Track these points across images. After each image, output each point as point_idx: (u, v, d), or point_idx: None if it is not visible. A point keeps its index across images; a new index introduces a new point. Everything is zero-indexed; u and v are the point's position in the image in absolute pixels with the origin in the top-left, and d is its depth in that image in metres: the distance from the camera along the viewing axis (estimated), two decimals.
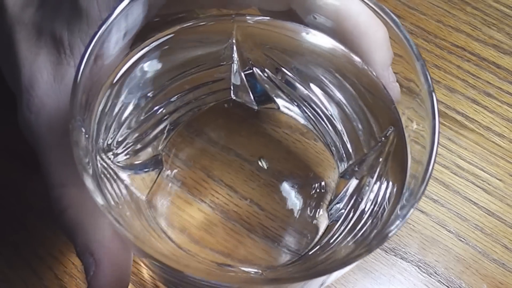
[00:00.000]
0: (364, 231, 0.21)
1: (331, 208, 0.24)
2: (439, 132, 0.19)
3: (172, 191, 0.24)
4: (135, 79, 0.23)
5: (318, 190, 0.25)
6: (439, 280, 0.28)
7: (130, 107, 0.23)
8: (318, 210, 0.24)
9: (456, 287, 0.28)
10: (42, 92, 0.23)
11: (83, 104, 0.19)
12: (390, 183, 0.22)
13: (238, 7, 0.24)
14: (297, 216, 0.24)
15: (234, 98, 0.26)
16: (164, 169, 0.24)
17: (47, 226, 0.27)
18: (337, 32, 0.23)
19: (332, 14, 0.22)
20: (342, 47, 0.23)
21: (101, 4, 0.23)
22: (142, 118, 0.24)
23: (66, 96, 0.23)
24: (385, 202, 0.21)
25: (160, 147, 0.25)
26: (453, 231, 0.29)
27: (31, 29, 0.24)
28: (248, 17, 0.24)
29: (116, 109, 0.23)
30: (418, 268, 0.28)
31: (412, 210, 0.18)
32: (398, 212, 0.18)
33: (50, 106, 0.23)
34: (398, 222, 0.17)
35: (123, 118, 0.23)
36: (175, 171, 0.25)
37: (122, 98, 0.23)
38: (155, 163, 0.24)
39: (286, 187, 0.25)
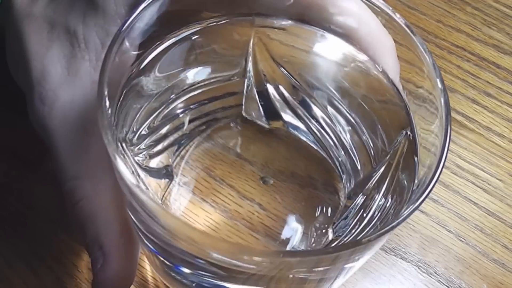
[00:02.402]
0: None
1: (337, 225, 0.24)
2: (450, 137, 0.19)
3: (181, 206, 0.24)
4: (152, 79, 0.23)
5: (324, 212, 0.24)
6: (439, 280, 0.28)
7: (150, 108, 0.23)
8: (323, 228, 0.24)
9: (456, 287, 0.28)
10: (56, 84, 0.23)
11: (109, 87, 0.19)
12: (397, 194, 0.21)
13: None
14: (300, 235, 0.24)
15: (245, 115, 0.26)
16: (174, 180, 0.24)
17: (47, 226, 0.27)
18: (352, 38, 0.23)
19: (347, 24, 0.23)
20: (357, 52, 0.23)
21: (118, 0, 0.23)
22: (158, 123, 0.24)
23: (81, 90, 0.23)
24: (389, 213, 0.21)
25: (171, 159, 0.25)
26: (453, 231, 0.29)
27: (41, 22, 0.24)
28: (267, 19, 0.24)
29: (136, 106, 0.23)
30: (418, 268, 0.28)
31: (413, 208, 0.18)
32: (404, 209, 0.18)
33: (64, 99, 0.23)
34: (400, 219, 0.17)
35: (142, 116, 0.23)
36: (184, 184, 0.25)
37: (139, 97, 0.23)
38: (165, 173, 0.24)
39: (291, 221, 0.25)
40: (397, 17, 0.21)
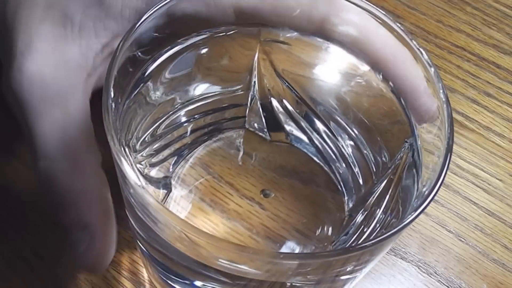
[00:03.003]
0: None
1: (336, 242, 0.23)
2: (452, 143, 0.19)
3: (180, 214, 0.24)
4: (158, 86, 0.23)
5: (324, 232, 0.24)
6: (439, 280, 0.28)
7: (155, 116, 0.23)
8: (324, 241, 0.24)
9: (456, 287, 0.28)
10: (40, 59, 0.22)
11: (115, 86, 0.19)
12: (397, 209, 0.21)
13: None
14: (301, 238, 0.24)
15: (247, 127, 0.26)
16: (172, 192, 0.24)
17: (47, 226, 0.27)
18: (358, 49, 0.23)
19: (350, 34, 0.23)
20: (360, 63, 0.23)
21: (126, 1, 0.22)
22: (161, 132, 0.24)
23: (65, 71, 0.23)
24: (389, 226, 0.21)
25: (170, 169, 0.25)
26: (453, 231, 0.29)
27: None
28: (272, 30, 0.24)
29: (141, 112, 0.22)
30: (418, 268, 0.28)
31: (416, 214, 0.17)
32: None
33: (46, 75, 0.22)
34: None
35: (146, 123, 0.23)
36: (180, 198, 0.25)
37: (144, 103, 0.23)
38: (164, 185, 0.24)
39: (289, 242, 0.24)
40: (396, 24, 0.21)
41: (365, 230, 0.22)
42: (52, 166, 0.22)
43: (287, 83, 0.25)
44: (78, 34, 0.23)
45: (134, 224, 0.20)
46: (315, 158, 0.25)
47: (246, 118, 0.26)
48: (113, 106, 0.18)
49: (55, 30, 0.23)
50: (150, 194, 0.16)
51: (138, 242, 0.22)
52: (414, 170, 0.21)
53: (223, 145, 0.26)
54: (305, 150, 0.26)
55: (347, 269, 0.18)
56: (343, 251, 0.17)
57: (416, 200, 0.20)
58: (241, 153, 0.26)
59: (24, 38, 0.22)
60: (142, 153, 0.23)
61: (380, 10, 0.21)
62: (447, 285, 0.28)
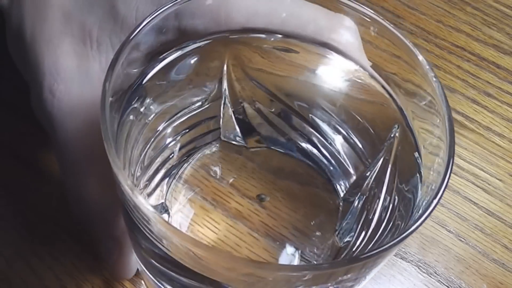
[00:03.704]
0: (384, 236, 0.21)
1: (340, 231, 0.23)
2: (454, 136, 0.18)
3: (182, 225, 0.24)
4: (143, 108, 0.23)
5: (319, 223, 0.24)
6: (439, 280, 0.28)
7: (140, 145, 0.23)
8: (326, 233, 0.24)
9: (456, 287, 0.28)
10: (67, 78, 0.23)
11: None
12: (403, 192, 0.21)
13: None
14: (302, 237, 0.24)
15: (223, 138, 0.26)
16: (170, 216, 0.24)
17: (47, 226, 0.27)
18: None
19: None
20: (331, 53, 0.23)
21: (139, 16, 0.23)
22: (147, 162, 0.24)
23: (89, 88, 0.23)
24: (400, 213, 0.21)
25: (164, 194, 0.25)
26: (453, 231, 0.29)
27: (55, 11, 0.24)
28: (242, 34, 0.24)
29: (131, 143, 0.22)
30: (418, 268, 0.28)
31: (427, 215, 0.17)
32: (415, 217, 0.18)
33: (73, 94, 0.23)
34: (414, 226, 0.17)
35: (135, 155, 0.23)
36: (180, 219, 0.25)
37: (133, 132, 0.22)
38: (161, 209, 0.24)
39: (292, 220, 0.24)
40: (390, 24, 0.21)
41: (370, 216, 0.22)
42: (80, 182, 0.23)
43: (259, 83, 0.24)
44: (97, 50, 0.23)
45: (140, 248, 0.20)
46: (294, 155, 0.25)
47: (221, 130, 0.25)
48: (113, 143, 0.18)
49: (76, 48, 0.23)
50: (168, 222, 0.16)
51: (143, 267, 0.22)
52: (412, 151, 0.21)
53: (204, 162, 0.26)
54: (283, 150, 0.25)
55: (351, 277, 0.18)
56: (348, 260, 0.17)
57: (424, 184, 0.19)
58: (220, 167, 0.26)
59: (50, 56, 0.23)
60: (139, 186, 0.23)
61: (375, 13, 0.21)
62: (447, 285, 0.28)
